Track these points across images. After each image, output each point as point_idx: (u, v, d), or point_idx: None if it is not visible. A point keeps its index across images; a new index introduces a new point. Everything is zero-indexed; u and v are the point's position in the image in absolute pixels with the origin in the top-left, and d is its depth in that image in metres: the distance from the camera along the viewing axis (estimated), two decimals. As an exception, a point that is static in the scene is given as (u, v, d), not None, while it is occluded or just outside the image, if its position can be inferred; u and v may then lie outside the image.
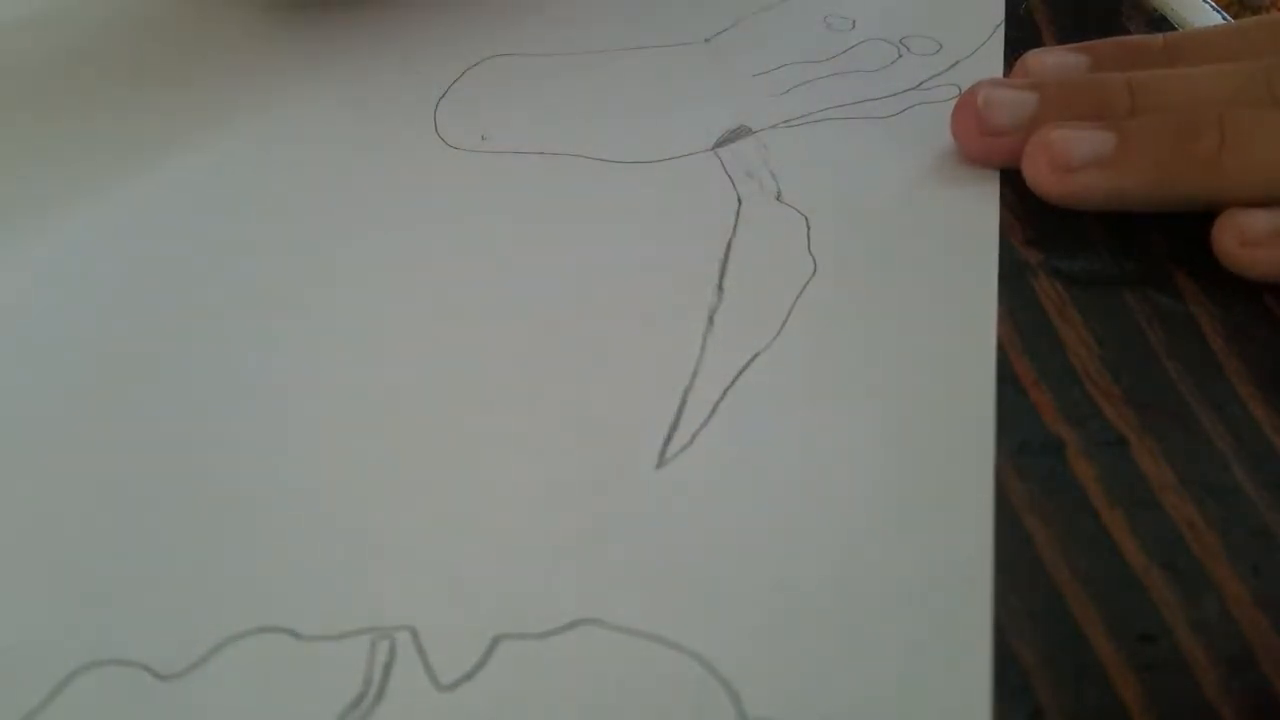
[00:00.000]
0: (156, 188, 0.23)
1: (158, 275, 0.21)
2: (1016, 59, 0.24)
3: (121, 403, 0.18)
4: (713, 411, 0.17)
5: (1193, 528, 0.15)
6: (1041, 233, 0.21)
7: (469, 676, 0.14)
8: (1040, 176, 0.20)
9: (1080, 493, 0.16)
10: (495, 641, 0.14)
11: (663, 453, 0.17)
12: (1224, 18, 0.26)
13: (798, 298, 0.19)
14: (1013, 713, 0.13)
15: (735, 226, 0.21)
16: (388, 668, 0.14)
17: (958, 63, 0.25)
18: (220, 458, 0.17)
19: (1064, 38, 0.26)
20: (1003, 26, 0.26)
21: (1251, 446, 0.16)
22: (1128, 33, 0.27)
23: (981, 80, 0.22)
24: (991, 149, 0.21)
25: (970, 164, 0.22)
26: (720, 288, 0.20)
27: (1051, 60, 0.23)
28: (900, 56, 0.26)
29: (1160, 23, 0.27)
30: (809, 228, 0.21)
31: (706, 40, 0.27)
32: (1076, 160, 0.20)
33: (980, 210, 0.21)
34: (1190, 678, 0.14)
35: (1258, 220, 0.18)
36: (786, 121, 0.24)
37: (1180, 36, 0.22)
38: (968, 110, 0.22)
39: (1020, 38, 0.27)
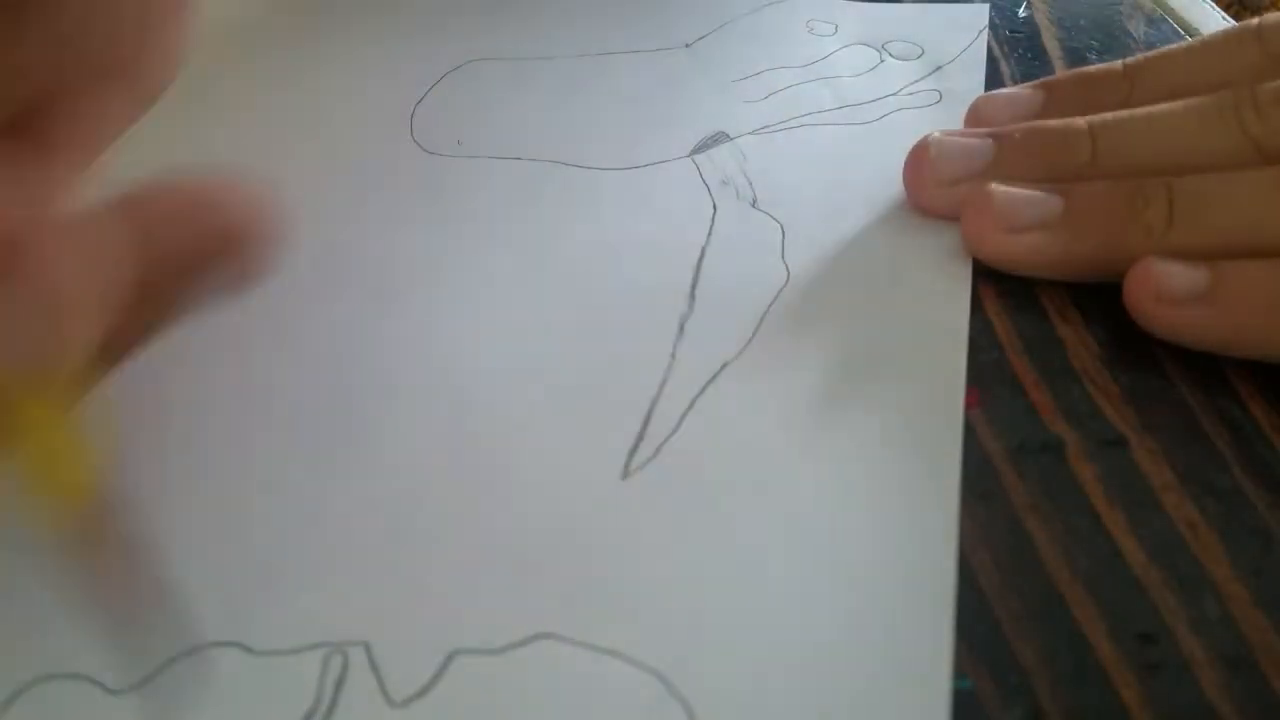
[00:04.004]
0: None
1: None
2: (1017, 58, 0.25)
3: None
4: (679, 422, 0.18)
5: (1193, 528, 0.16)
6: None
7: (422, 693, 0.15)
8: (982, 236, 0.21)
9: (1080, 493, 0.17)
10: (450, 657, 0.15)
11: (628, 464, 0.17)
12: (1224, 18, 0.28)
13: (769, 307, 0.20)
14: (1012, 713, 0.14)
15: (709, 234, 0.22)
16: (339, 683, 0.15)
17: (940, 67, 0.27)
18: (172, 466, 0.18)
19: (1064, 38, 0.28)
20: (986, 31, 0.28)
21: (1251, 446, 0.17)
22: (1128, 33, 0.28)
23: (934, 131, 0.22)
24: (941, 200, 0.22)
25: (920, 214, 0.22)
26: (692, 295, 0.21)
27: (1003, 101, 0.23)
28: (882, 62, 0.27)
29: (1160, 22, 0.28)
30: (783, 235, 0.22)
31: (688, 45, 0.28)
32: (1022, 222, 0.20)
33: (958, 219, 0.22)
34: (1190, 678, 0.15)
35: (1175, 276, 0.18)
36: (765, 127, 0.25)
37: (1143, 61, 0.22)
38: (919, 159, 0.22)
39: (1020, 39, 0.28)
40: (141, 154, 0.24)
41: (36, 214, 0.12)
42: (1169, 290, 0.18)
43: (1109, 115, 0.21)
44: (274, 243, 0.15)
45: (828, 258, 0.21)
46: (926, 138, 0.22)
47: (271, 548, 0.17)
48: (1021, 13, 0.29)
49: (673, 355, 0.19)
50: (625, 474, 0.17)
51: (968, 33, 0.28)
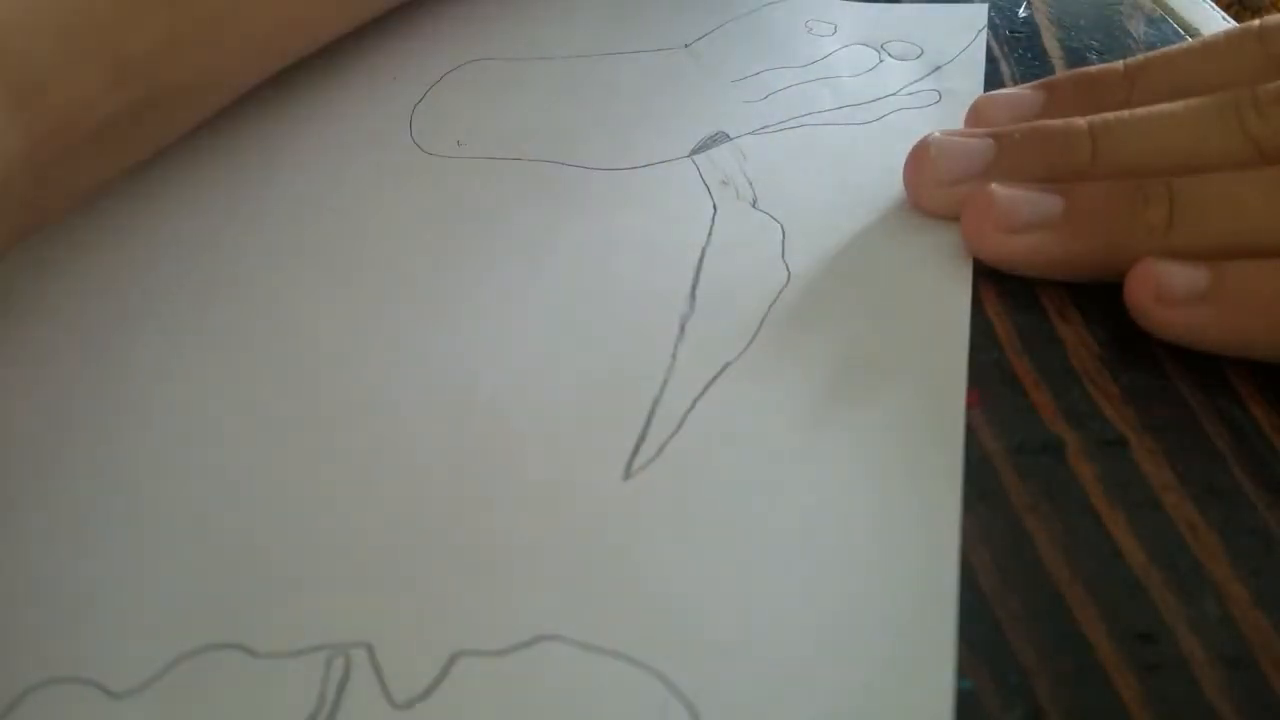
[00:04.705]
0: (144, 189, 0.24)
1: (143, 275, 0.22)
2: (1017, 58, 0.25)
3: (67, 418, 0.19)
4: (681, 422, 0.18)
5: (1193, 528, 0.16)
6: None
7: (425, 695, 0.15)
8: (982, 235, 0.21)
9: (1080, 493, 0.17)
10: (453, 658, 0.15)
11: (630, 464, 0.18)
12: (1224, 18, 0.28)
13: (770, 307, 0.20)
14: (1013, 713, 0.14)
15: (710, 234, 0.22)
16: (342, 685, 0.15)
17: (939, 68, 0.27)
18: (171, 472, 0.18)
19: (1064, 38, 0.28)
20: (985, 31, 0.28)
21: (1251, 446, 0.18)
22: (1128, 33, 0.28)
23: (934, 131, 0.22)
24: (942, 200, 0.22)
25: (921, 214, 0.22)
26: (693, 296, 0.21)
27: (1004, 101, 0.23)
28: (881, 62, 0.27)
29: (1160, 22, 0.28)
30: (784, 235, 0.22)
31: (687, 45, 0.28)
32: (1022, 222, 0.20)
33: (957, 219, 0.22)
34: (1190, 678, 0.15)
35: (1176, 276, 0.19)
36: (764, 127, 0.25)
37: (1144, 62, 0.23)
38: (919, 159, 0.22)
39: (1020, 39, 0.28)
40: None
41: None
42: (1169, 290, 0.19)
43: (1109, 115, 0.21)
44: None
45: (828, 258, 0.22)
46: (927, 138, 0.22)
47: (273, 549, 0.17)
48: (1021, 13, 0.29)
49: (674, 356, 0.19)
50: (627, 475, 0.17)
51: (967, 33, 0.28)
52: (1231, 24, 0.27)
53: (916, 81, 0.26)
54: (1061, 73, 0.26)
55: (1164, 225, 0.19)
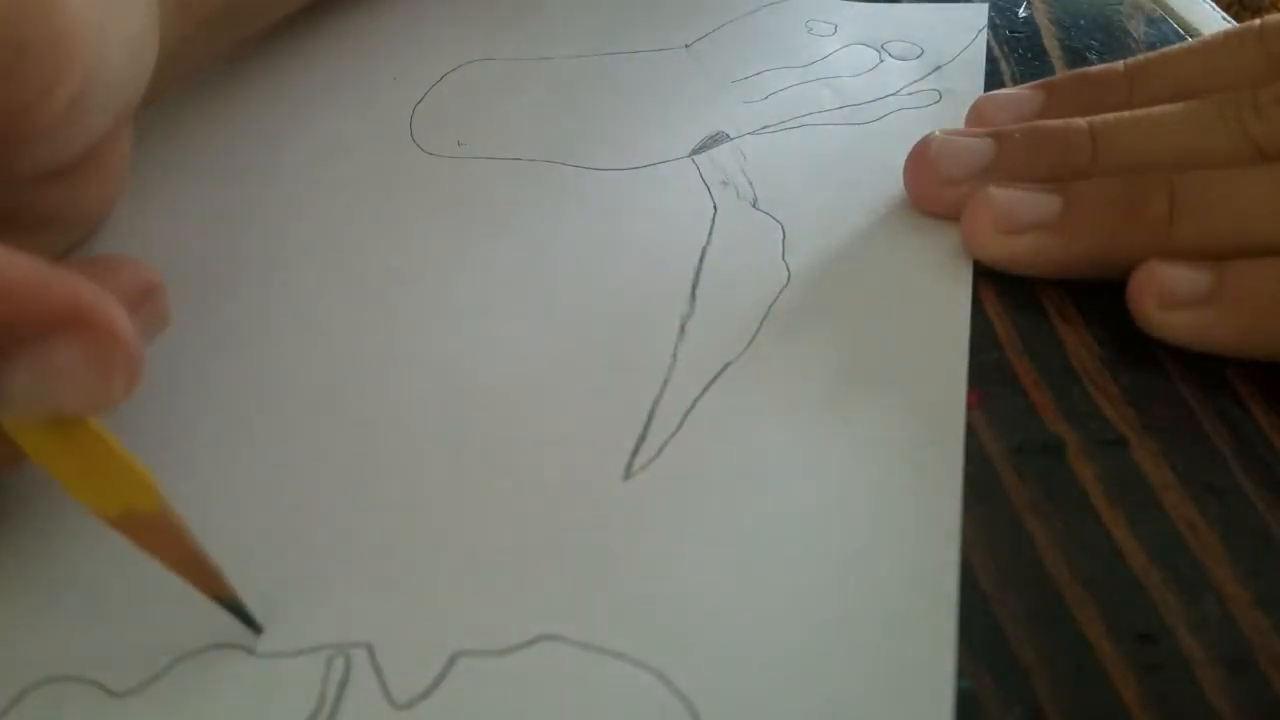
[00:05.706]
0: (143, 189, 0.24)
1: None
2: (1017, 58, 0.25)
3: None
4: (681, 422, 0.18)
5: (1193, 528, 0.16)
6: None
7: (426, 694, 0.15)
8: (981, 237, 0.21)
9: (1080, 493, 0.17)
10: (454, 658, 0.15)
11: (630, 464, 0.18)
12: (1224, 18, 0.28)
13: (770, 307, 0.20)
14: (1012, 713, 0.14)
15: (710, 234, 0.22)
16: (342, 685, 0.15)
17: (939, 67, 0.27)
18: (173, 468, 0.18)
19: (1064, 38, 0.28)
20: (985, 31, 0.28)
21: (1251, 446, 0.18)
22: (1128, 33, 0.28)
23: (935, 130, 0.22)
24: (943, 199, 0.22)
25: (921, 212, 0.22)
26: (693, 296, 0.21)
27: (1005, 101, 0.23)
28: (881, 62, 0.27)
29: (1160, 22, 0.28)
30: (784, 235, 0.22)
31: (687, 46, 0.28)
32: (1021, 223, 0.20)
33: (958, 219, 0.22)
34: (1190, 678, 0.15)
35: (1179, 280, 0.19)
36: (765, 128, 0.25)
37: (1144, 62, 0.23)
38: (920, 158, 0.22)
39: (1020, 39, 0.28)
40: (150, 150, 0.24)
41: (78, 278, 0.13)
42: (1171, 294, 0.19)
43: (1110, 116, 0.21)
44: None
45: (828, 258, 0.22)
46: (927, 137, 0.22)
47: (273, 549, 0.17)
48: (1021, 13, 0.29)
49: (674, 356, 0.19)
50: (627, 475, 0.17)
51: (967, 33, 0.28)
52: (1231, 24, 0.27)
53: (917, 81, 0.26)
54: (1061, 73, 0.26)
55: (1165, 220, 0.19)
